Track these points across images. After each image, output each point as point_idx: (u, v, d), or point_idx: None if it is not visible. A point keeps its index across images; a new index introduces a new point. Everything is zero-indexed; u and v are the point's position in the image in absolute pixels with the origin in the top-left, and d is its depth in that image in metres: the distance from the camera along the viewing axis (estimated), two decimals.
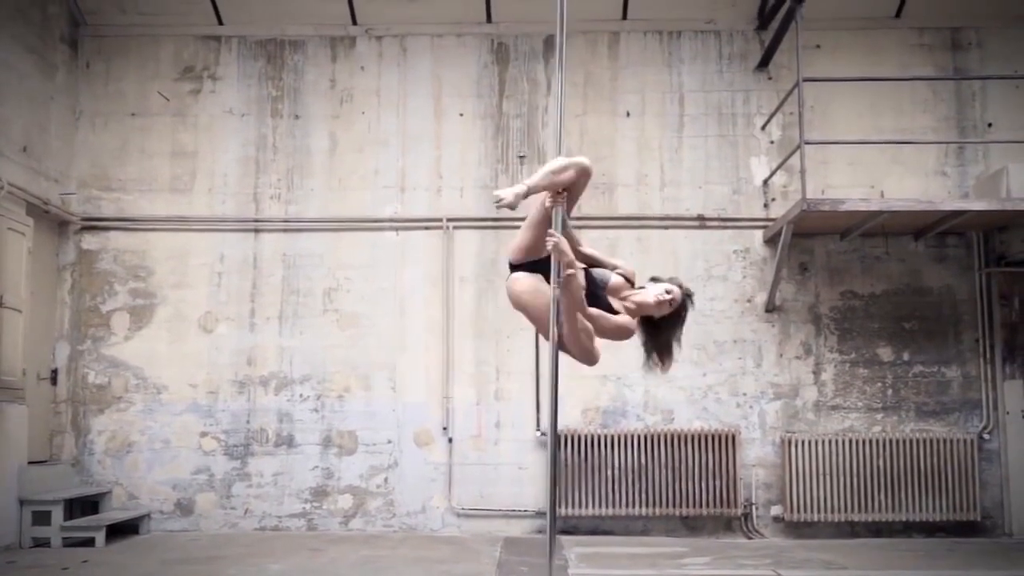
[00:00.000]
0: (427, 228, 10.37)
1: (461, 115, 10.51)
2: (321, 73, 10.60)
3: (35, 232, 9.54)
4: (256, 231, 10.42)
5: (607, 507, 9.79)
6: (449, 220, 10.32)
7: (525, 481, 10.00)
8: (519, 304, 4.84)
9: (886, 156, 10.26)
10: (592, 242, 10.32)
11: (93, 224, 10.41)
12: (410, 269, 10.33)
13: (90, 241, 10.41)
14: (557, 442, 9.72)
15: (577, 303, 4.63)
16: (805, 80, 9.16)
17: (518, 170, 10.39)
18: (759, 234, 10.29)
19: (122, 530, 9.62)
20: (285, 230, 10.41)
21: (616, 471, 9.84)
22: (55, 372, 10.19)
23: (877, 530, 9.83)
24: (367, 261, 10.33)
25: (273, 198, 10.45)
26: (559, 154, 4.96)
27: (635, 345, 10.32)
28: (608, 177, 10.40)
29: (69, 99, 10.44)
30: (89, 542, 8.98)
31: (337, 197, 10.44)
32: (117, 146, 10.52)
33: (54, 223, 10.23)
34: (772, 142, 10.38)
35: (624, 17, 10.55)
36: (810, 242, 10.19)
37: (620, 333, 4.87)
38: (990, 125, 10.33)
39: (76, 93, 10.54)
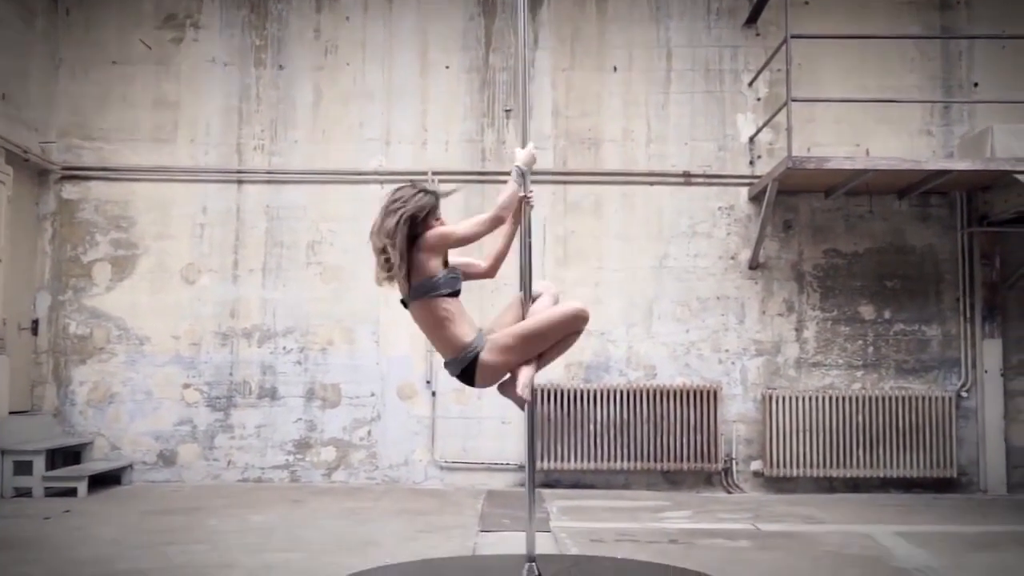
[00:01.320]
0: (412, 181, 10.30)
1: (447, 68, 10.44)
2: (306, 23, 10.49)
3: (15, 181, 9.45)
4: (239, 182, 10.35)
5: (589, 461, 9.85)
6: (434, 174, 10.27)
7: (508, 435, 10.05)
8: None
9: (872, 115, 10.25)
10: (577, 198, 10.38)
11: (74, 173, 10.32)
12: None
13: (71, 191, 10.32)
14: (540, 397, 9.78)
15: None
16: (793, 37, 9.12)
17: (504, 124, 10.34)
18: (744, 191, 10.29)
19: (104, 481, 9.63)
20: (269, 182, 10.34)
21: (598, 426, 9.89)
22: (36, 322, 10.14)
23: (855, 486, 9.94)
24: (351, 214, 10.28)
25: (256, 149, 10.38)
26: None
27: (617, 302, 10.37)
28: (594, 133, 10.37)
29: (49, 47, 10.30)
30: (71, 492, 8.98)
31: (321, 149, 10.37)
32: (98, 95, 10.40)
33: (34, 172, 10.13)
34: (759, 99, 10.35)
35: None
36: (795, 200, 10.21)
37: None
38: (976, 85, 10.33)
39: (56, 41, 10.40)
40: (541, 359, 4.86)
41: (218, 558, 6.09)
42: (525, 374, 4.77)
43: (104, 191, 10.32)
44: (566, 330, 4.75)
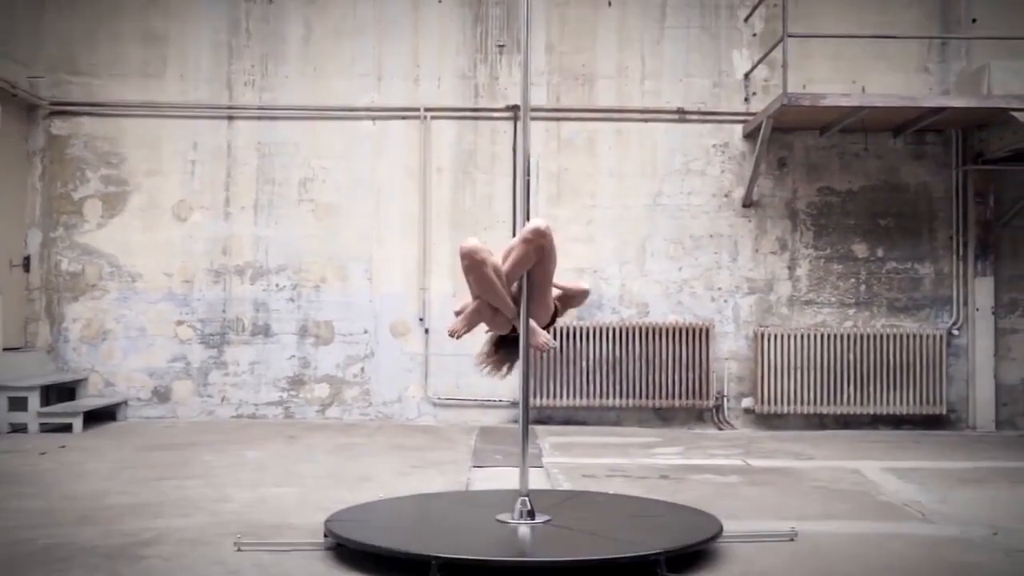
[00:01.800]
0: (404, 118, 10.25)
1: (439, 1, 10.30)
2: None
3: (2, 117, 9.35)
4: (230, 119, 10.27)
5: (581, 398, 9.91)
6: (427, 110, 10.19)
7: None
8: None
9: (869, 51, 10.16)
10: (571, 135, 10.31)
11: (63, 109, 10.21)
12: (387, 159, 10.23)
13: (60, 127, 10.23)
14: None
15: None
16: None
17: (497, 60, 10.24)
18: (739, 128, 10.24)
19: (99, 416, 9.66)
20: (260, 118, 10.25)
21: (591, 363, 9.93)
22: (27, 259, 10.11)
23: (845, 422, 10.01)
24: (343, 151, 10.22)
25: (247, 85, 10.27)
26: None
27: (610, 239, 10.35)
28: (588, 68, 10.28)
29: None
30: (66, 428, 9.02)
31: (312, 85, 10.27)
32: (86, 29, 10.26)
33: (22, 108, 10.02)
34: (755, 35, 10.26)
35: None
36: (789, 137, 10.16)
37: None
38: (974, 21, 10.22)
39: None
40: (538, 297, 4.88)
41: (213, 493, 6.13)
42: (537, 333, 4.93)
43: (93, 127, 10.23)
44: (535, 252, 4.73)
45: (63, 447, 8.10)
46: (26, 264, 10.09)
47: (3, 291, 9.43)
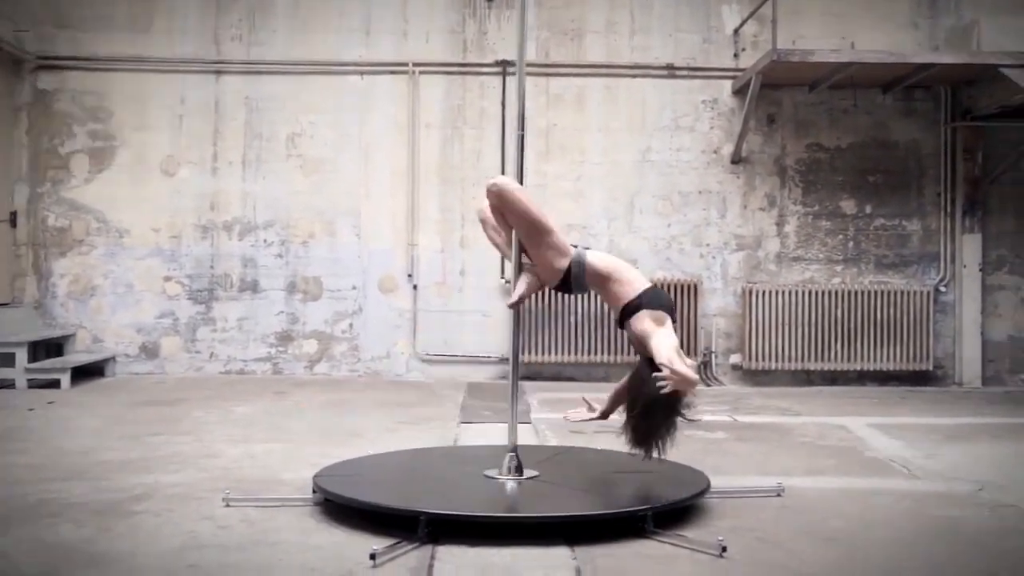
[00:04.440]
0: (392, 73, 10.18)
1: None
2: None
3: None
4: (218, 73, 10.19)
5: (569, 354, 9.94)
6: (415, 65, 10.13)
7: (489, 328, 10.10)
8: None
9: (858, 7, 10.13)
10: (560, 90, 10.25)
11: (49, 63, 10.11)
12: (375, 115, 10.18)
13: (46, 81, 10.14)
14: None
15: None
16: None
17: (485, 15, 10.16)
18: (728, 84, 10.20)
19: (87, 372, 9.67)
20: (247, 72, 10.17)
21: (579, 319, 9.95)
22: (14, 214, 10.05)
23: (832, 379, 10.07)
24: (331, 106, 10.16)
25: (234, 39, 10.18)
26: None
27: (598, 196, 10.33)
28: (578, 23, 10.21)
29: None
30: (54, 384, 9.02)
31: (300, 39, 10.18)
32: None
33: (7, 61, 9.93)
34: None
35: None
36: (778, 94, 10.13)
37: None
38: None
39: None
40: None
41: (202, 448, 6.15)
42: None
43: (80, 81, 10.14)
44: (500, 206, 4.72)
45: (51, 403, 8.10)
46: (13, 219, 10.04)
47: None
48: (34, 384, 9.06)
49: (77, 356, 9.75)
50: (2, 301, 9.79)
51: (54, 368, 9.13)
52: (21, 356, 9.02)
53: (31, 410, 7.72)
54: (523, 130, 5.15)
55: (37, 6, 10.10)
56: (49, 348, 9.82)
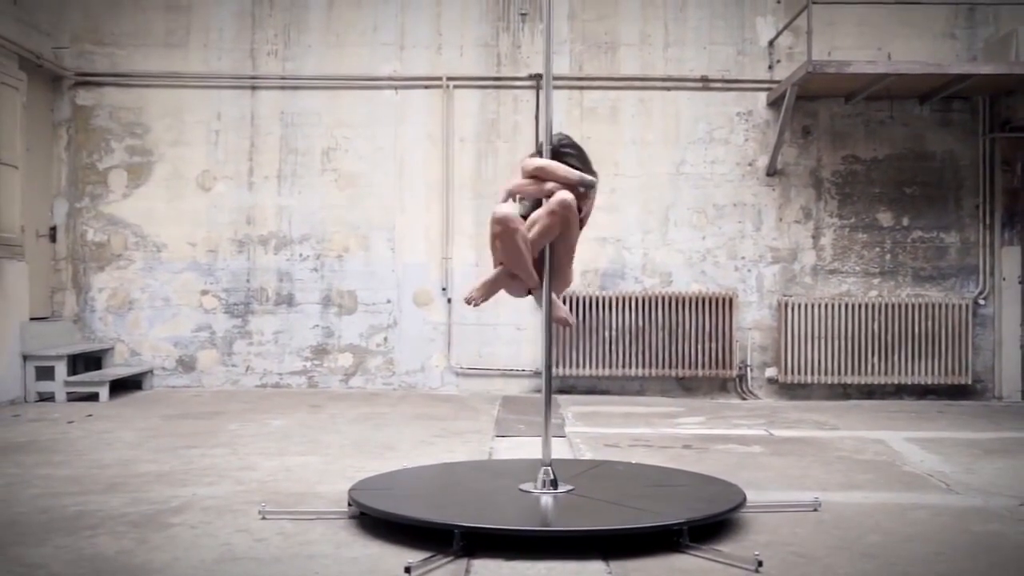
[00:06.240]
0: (427, 87, 10.22)
1: None
2: None
3: (29, 87, 9.40)
4: (253, 88, 10.28)
5: (604, 368, 9.92)
6: (449, 79, 10.17)
7: (523, 341, 10.10)
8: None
9: (895, 17, 10.06)
10: (594, 104, 10.24)
11: (87, 79, 10.25)
12: (409, 129, 10.22)
13: (85, 97, 10.27)
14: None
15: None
16: None
17: (519, 28, 10.19)
18: (763, 96, 10.16)
19: (125, 385, 9.76)
20: (282, 87, 10.26)
21: (614, 332, 9.93)
22: (54, 229, 10.18)
23: (869, 392, 9.98)
24: (366, 120, 10.22)
25: (270, 54, 10.27)
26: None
27: (633, 208, 10.32)
28: (611, 36, 10.22)
29: None
30: (93, 397, 9.10)
31: (335, 54, 10.25)
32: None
33: (47, 78, 10.06)
34: (779, 1, 10.16)
35: None
36: (814, 105, 10.08)
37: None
38: None
39: None
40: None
41: (238, 461, 6.18)
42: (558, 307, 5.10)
43: (118, 97, 10.26)
44: (560, 224, 4.75)
45: (90, 416, 8.18)
46: (52, 234, 10.16)
47: (29, 261, 9.51)
48: (73, 397, 9.16)
49: (115, 369, 9.84)
50: (42, 315, 9.90)
51: (92, 381, 9.22)
52: (60, 369, 9.11)
53: (70, 423, 7.80)
54: (552, 143, 5.13)
55: (76, 23, 10.24)
56: (88, 361, 9.92)
